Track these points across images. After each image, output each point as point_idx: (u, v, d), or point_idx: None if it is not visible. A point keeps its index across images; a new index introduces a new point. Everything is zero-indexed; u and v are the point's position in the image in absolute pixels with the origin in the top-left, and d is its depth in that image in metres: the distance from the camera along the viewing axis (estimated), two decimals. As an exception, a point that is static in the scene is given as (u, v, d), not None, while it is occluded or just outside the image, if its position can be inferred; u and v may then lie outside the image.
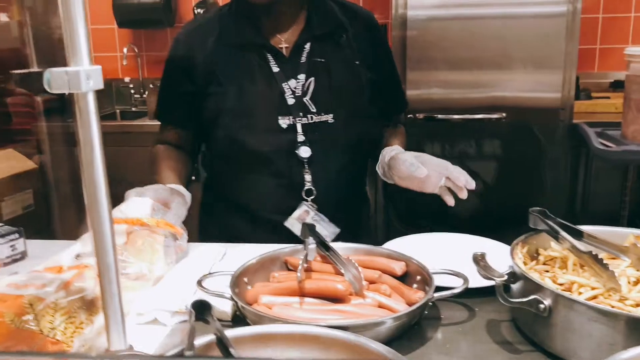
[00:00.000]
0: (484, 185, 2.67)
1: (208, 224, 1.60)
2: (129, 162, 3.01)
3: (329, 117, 1.43)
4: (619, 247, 1.02)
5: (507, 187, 2.66)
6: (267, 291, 1.03)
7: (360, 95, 1.48)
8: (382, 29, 1.61)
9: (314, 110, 1.42)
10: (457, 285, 1.01)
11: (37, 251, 1.34)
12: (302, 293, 1.02)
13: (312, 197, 1.43)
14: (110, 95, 3.67)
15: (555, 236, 1.03)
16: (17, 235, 1.30)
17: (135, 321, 1.03)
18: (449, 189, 1.36)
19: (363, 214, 1.65)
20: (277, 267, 1.14)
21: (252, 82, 1.42)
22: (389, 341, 0.93)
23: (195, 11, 3.28)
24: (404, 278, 1.10)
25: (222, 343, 0.78)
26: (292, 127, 1.41)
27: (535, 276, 0.97)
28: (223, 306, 1.02)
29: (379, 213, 2.65)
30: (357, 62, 1.48)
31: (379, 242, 1.32)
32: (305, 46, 1.44)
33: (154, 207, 1.30)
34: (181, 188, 1.41)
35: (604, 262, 0.92)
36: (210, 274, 1.08)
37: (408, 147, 1.54)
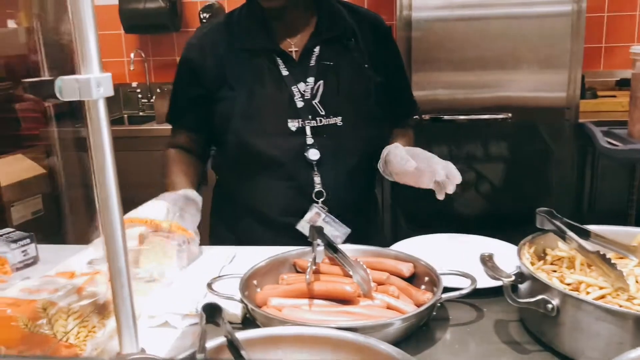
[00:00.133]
0: (491, 185, 2.68)
1: (218, 226, 1.62)
2: (137, 166, 3.03)
3: (338, 120, 1.44)
4: (627, 246, 1.02)
5: (513, 187, 2.66)
6: (276, 293, 1.03)
7: (369, 98, 1.49)
8: (391, 31, 1.61)
9: (323, 113, 1.43)
10: (465, 285, 1.02)
11: (48, 256, 1.35)
12: (311, 295, 1.02)
13: (322, 199, 1.44)
14: (117, 100, 3.70)
15: (562, 236, 1.04)
16: (28, 240, 1.32)
17: (147, 324, 1.04)
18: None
19: (372, 215, 1.66)
20: (286, 270, 1.15)
21: (262, 86, 1.43)
22: (397, 342, 0.94)
23: (201, 16, 3.30)
24: (412, 279, 1.11)
25: (233, 345, 0.79)
26: (301, 130, 1.42)
27: (542, 276, 0.98)
28: (233, 309, 1.03)
29: (386, 214, 2.66)
30: (366, 65, 1.49)
31: (388, 243, 1.33)
32: (315, 50, 1.45)
33: (169, 209, 1.31)
34: (194, 193, 1.42)
35: (612, 261, 0.93)
36: (220, 276, 1.09)
37: None
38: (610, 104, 2.84)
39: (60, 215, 3.23)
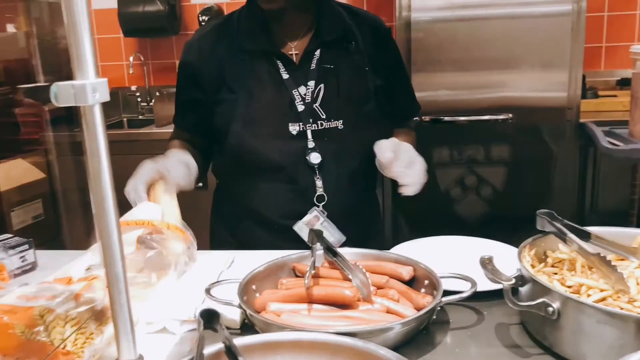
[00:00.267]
0: (492, 187, 2.67)
1: (219, 230, 1.61)
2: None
3: (339, 123, 1.44)
4: (627, 248, 1.01)
5: (515, 188, 2.65)
6: (275, 298, 1.03)
7: (369, 101, 1.48)
8: (390, 33, 1.60)
9: (324, 117, 1.43)
10: (465, 288, 1.01)
11: (47, 262, 1.35)
12: (310, 300, 1.02)
13: (323, 203, 1.44)
14: (117, 103, 3.69)
15: (563, 238, 1.03)
16: (27, 246, 1.31)
17: (145, 330, 1.03)
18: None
19: (373, 218, 1.65)
20: (285, 274, 1.15)
21: (263, 89, 1.43)
22: (397, 346, 0.93)
23: (200, 18, 3.30)
24: (412, 282, 1.10)
25: (231, 352, 0.79)
26: (302, 134, 1.42)
27: (543, 279, 0.97)
28: (231, 314, 1.02)
29: (387, 216, 2.65)
30: (366, 68, 1.48)
31: (389, 246, 1.33)
32: (315, 53, 1.45)
33: (163, 213, 1.31)
34: (190, 159, 1.42)
35: (612, 263, 0.92)
36: (218, 282, 1.08)
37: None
38: (611, 103, 2.83)
39: (61, 220, 3.23)
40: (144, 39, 3.63)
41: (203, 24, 3.28)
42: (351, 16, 1.51)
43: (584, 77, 2.65)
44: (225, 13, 3.42)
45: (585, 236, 1.03)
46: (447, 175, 2.68)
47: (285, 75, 1.43)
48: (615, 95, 2.94)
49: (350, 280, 1.05)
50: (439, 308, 0.99)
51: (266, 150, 1.42)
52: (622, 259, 1.02)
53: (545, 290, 0.90)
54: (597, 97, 2.91)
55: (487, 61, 2.58)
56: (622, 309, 0.86)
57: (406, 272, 1.09)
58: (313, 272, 1.06)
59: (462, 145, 2.65)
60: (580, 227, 1.05)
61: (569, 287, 0.95)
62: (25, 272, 1.30)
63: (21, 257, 1.29)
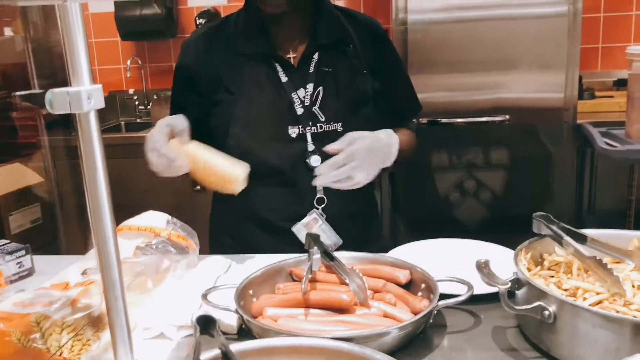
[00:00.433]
0: (490, 188, 2.67)
1: (218, 233, 1.61)
2: (134, 173, 3.02)
3: (338, 126, 1.44)
4: (624, 251, 1.01)
5: (512, 189, 2.66)
6: (272, 303, 1.03)
7: (368, 103, 1.49)
8: (388, 35, 1.60)
9: (323, 120, 1.43)
10: (462, 292, 1.01)
11: (44, 267, 1.35)
12: (307, 304, 1.02)
13: (322, 206, 1.44)
14: (114, 107, 3.69)
15: (559, 241, 1.03)
16: (24, 252, 1.31)
17: (142, 336, 1.03)
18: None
19: (372, 219, 1.65)
20: (282, 278, 1.15)
21: (262, 92, 1.43)
22: (395, 350, 0.94)
23: (197, 22, 3.30)
24: (409, 286, 1.10)
25: (227, 358, 0.79)
26: (301, 137, 1.42)
27: (539, 282, 0.98)
28: (229, 319, 1.02)
29: (385, 219, 2.65)
30: (364, 71, 1.48)
31: (388, 248, 1.33)
32: (314, 56, 1.45)
33: (168, 220, 1.31)
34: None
35: (608, 266, 0.92)
36: (215, 287, 1.08)
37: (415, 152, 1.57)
38: (608, 104, 2.84)
39: (59, 223, 3.23)
40: (141, 42, 3.63)
41: (200, 27, 3.28)
42: (348, 19, 1.51)
43: (580, 78, 2.65)
44: (222, 16, 3.44)
45: (582, 239, 1.03)
46: (444, 177, 2.68)
47: (284, 78, 1.43)
48: (612, 96, 2.94)
49: (347, 284, 1.05)
50: (435, 312, 1.00)
51: (265, 153, 1.42)
52: (618, 262, 1.02)
53: (541, 294, 0.90)
54: (594, 98, 2.92)
55: (484, 62, 2.58)
56: (617, 312, 0.87)
57: (403, 276, 1.10)
58: (310, 276, 1.06)
59: (459, 147, 2.65)
60: (576, 230, 1.05)
61: (566, 290, 0.95)
62: (22, 277, 1.30)
63: (18, 263, 1.29)
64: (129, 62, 3.56)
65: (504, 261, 1.08)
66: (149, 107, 3.59)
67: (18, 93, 3.24)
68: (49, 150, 3.21)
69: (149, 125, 3.43)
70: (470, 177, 2.66)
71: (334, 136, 1.42)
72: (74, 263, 1.22)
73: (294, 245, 1.39)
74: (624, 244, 1.04)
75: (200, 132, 1.51)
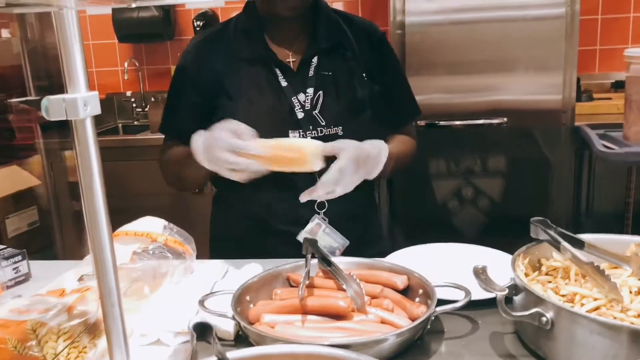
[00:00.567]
0: (488, 191, 2.67)
1: (220, 238, 1.60)
2: (132, 176, 3.02)
3: (339, 130, 1.44)
4: (621, 256, 1.01)
5: (510, 192, 2.65)
6: (269, 310, 1.03)
7: (368, 106, 1.48)
8: (386, 38, 1.60)
9: (324, 124, 1.43)
10: (460, 297, 1.01)
11: (41, 272, 1.34)
12: (304, 310, 1.02)
13: (323, 210, 1.43)
14: (112, 109, 3.68)
15: (557, 246, 1.03)
16: (20, 257, 1.31)
17: (139, 342, 1.03)
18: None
19: (372, 222, 1.64)
20: (280, 284, 1.14)
21: (262, 97, 1.43)
22: (392, 357, 0.93)
23: (195, 24, 3.30)
24: (407, 291, 1.10)
25: (224, 365, 0.78)
26: None
27: (537, 288, 0.97)
28: (225, 326, 1.02)
29: (384, 223, 2.65)
30: (363, 74, 1.48)
31: (388, 251, 1.34)
32: (313, 60, 1.45)
33: (165, 226, 1.31)
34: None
35: (606, 272, 0.92)
36: (212, 293, 1.08)
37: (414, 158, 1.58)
38: (606, 106, 2.84)
39: (57, 226, 3.22)
40: (138, 44, 3.63)
41: (198, 29, 3.28)
42: (346, 23, 1.51)
43: (578, 80, 2.65)
44: (220, 18, 3.44)
45: (579, 244, 1.03)
46: (441, 180, 2.68)
47: (283, 83, 1.43)
48: (609, 98, 2.94)
49: (344, 289, 1.05)
50: (433, 318, 0.99)
51: None
52: (615, 267, 1.02)
53: (538, 300, 0.90)
54: (592, 99, 2.92)
55: (482, 65, 2.58)
56: (615, 318, 0.86)
57: (400, 282, 1.09)
58: (307, 282, 1.06)
59: (456, 150, 2.65)
60: (573, 235, 1.05)
61: (563, 296, 0.95)
62: (18, 283, 1.30)
63: (14, 269, 1.29)
64: (126, 65, 3.56)
65: (502, 266, 1.07)
66: (146, 109, 3.59)
67: (14, 100, 3.23)
68: (47, 152, 3.20)
69: (146, 128, 3.42)
70: (467, 180, 2.66)
71: (335, 140, 1.42)
72: (71, 269, 1.21)
73: (296, 249, 1.38)
74: (622, 249, 1.03)
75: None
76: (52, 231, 3.20)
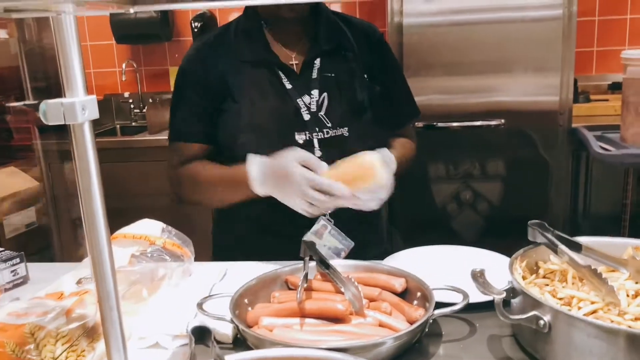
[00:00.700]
0: (485, 193, 2.67)
1: (223, 240, 1.60)
2: (129, 177, 3.02)
3: (344, 131, 1.44)
4: (618, 259, 1.02)
5: (507, 193, 2.66)
6: (267, 313, 1.03)
7: (371, 107, 1.49)
8: (384, 39, 1.60)
9: (330, 125, 1.43)
10: (458, 300, 1.01)
11: (39, 275, 1.34)
12: (302, 314, 1.02)
13: (330, 212, 1.43)
14: (109, 110, 3.68)
15: (554, 249, 1.03)
16: (18, 260, 1.30)
17: (137, 345, 1.03)
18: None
19: (376, 223, 1.64)
20: (278, 287, 1.15)
21: (267, 100, 1.42)
22: (390, 360, 0.94)
23: (193, 25, 3.29)
24: (405, 294, 1.10)
25: (222, 369, 0.79)
26: (309, 143, 1.42)
27: (534, 291, 0.98)
28: (224, 328, 1.02)
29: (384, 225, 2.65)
30: (365, 76, 1.49)
31: (389, 252, 1.35)
32: (315, 62, 1.45)
33: (163, 228, 1.31)
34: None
35: (603, 276, 0.92)
36: (210, 296, 1.08)
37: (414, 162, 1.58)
38: (603, 107, 2.85)
39: (55, 227, 3.22)
40: (136, 45, 3.63)
41: (195, 30, 3.28)
42: (346, 25, 1.52)
43: (575, 82, 2.66)
44: (218, 19, 3.44)
45: (576, 247, 1.03)
46: (439, 182, 2.68)
47: (288, 85, 1.43)
48: (607, 100, 2.95)
49: (342, 293, 1.05)
50: (431, 321, 1.00)
51: None
52: (612, 271, 1.02)
53: (536, 303, 0.90)
54: (589, 101, 2.93)
55: (479, 66, 2.58)
56: (612, 321, 0.87)
57: (399, 284, 1.10)
58: (305, 285, 1.06)
59: (454, 152, 2.65)
60: (571, 238, 1.05)
61: (561, 299, 0.95)
62: (16, 285, 1.30)
63: (12, 271, 1.29)
64: (124, 66, 3.55)
65: (499, 268, 1.08)
66: (144, 110, 3.58)
67: (12, 104, 3.22)
68: (45, 152, 3.20)
69: (144, 129, 3.42)
70: (465, 181, 2.66)
71: (341, 141, 1.43)
72: (69, 271, 1.21)
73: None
74: (619, 252, 1.04)
75: (212, 140, 1.48)
76: (50, 232, 3.19)
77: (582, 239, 1.06)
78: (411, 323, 0.99)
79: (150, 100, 3.53)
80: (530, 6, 2.52)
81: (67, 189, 3.13)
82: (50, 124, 0.68)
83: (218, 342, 1.01)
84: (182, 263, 1.24)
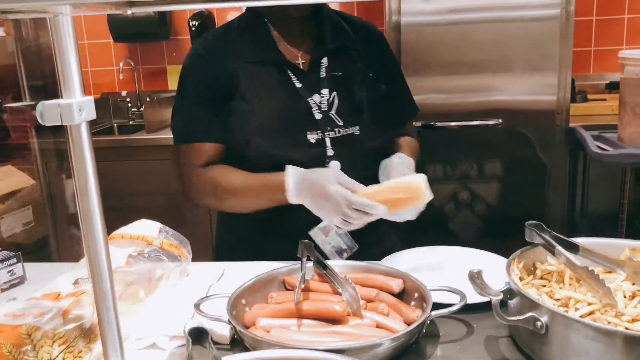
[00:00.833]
0: (483, 193, 2.67)
1: (228, 240, 1.59)
2: (127, 176, 3.02)
3: (355, 129, 1.44)
4: (615, 260, 1.02)
5: (505, 193, 2.66)
6: (264, 313, 1.03)
7: (378, 105, 1.49)
8: (384, 37, 1.61)
9: (341, 124, 1.43)
10: (455, 301, 1.01)
11: (36, 275, 1.34)
12: (299, 314, 1.02)
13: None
14: (107, 109, 3.67)
15: (551, 250, 1.03)
16: (15, 260, 1.30)
17: (135, 346, 1.03)
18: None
19: (376, 224, 1.63)
20: (275, 287, 1.14)
21: (278, 99, 1.42)
22: (387, 361, 0.94)
23: (190, 24, 3.29)
24: (402, 295, 1.10)
25: (219, 371, 0.79)
26: (321, 142, 1.41)
27: (532, 292, 0.98)
28: (221, 329, 1.02)
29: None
30: (370, 74, 1.49)
31: (389, 252, 1.35)
32: (323, 61, 1.45)
33: (160, 229, 1.31)
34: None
35: (600, 277, 0.92)
36: (207, 296, 1.08)
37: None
38: (600, 107, 2.85)
39: (51, 226, 3.21)
40: (134, 44, 3.62)
41: (193, 29, 3.27)
42: (348, 24, 1.52)
43: (573, 81, 2.66)
44: (216, 18, 3.43)
45: (574, 248, 1.04)
46: (436, 181, 2.68)
47: (298, 84, 1.42)
48: (604, 99, 2.95)
49: (340, 293, 1.05)
50: (428, 322, 1.00)
51: (285, 159, 1.37)
52: (610, 272, 1.02)
53: (533, 305, 0.90)
54: (587, 100, 2.93)
55: (477, 65, 2.58)
56: (609, 322, 0.87)
57: (396, 285, 1.10)
58: (302, 286, 1.06)
59: (452, 151, 2.65)
60: (568, 239, 1.05)
61: (558, 300, 0.95)
62: (13, 286, 1.29)
63: (9, 271, 1.28)
64: (121, 64, 3.54)
65: (497, 269, 1.08)
66: (141, 109, 3.57)
67: (8, 105, 3.21)
68: (42, 151, 3.19)
69: (141, 128, 3.41)
70: (462, 181, 2.66)
71: (352, 140, 1.43)
72: (66, 272, 1.21)
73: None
74: (616, 253, 1.04)
75: (223, 138, 1.46)
76: (47, 231, 3.19)
77: (579, 240, 1.06)
78: (408, 324, 0.99)
79: (148, 99, 3.51)
80: (528, 5, 2.52)
81: (64, 188, 3.12)
82: (47, 124, 0.67)
83: (215, 343, 1.01)
84: (180, 263, 1.24)
